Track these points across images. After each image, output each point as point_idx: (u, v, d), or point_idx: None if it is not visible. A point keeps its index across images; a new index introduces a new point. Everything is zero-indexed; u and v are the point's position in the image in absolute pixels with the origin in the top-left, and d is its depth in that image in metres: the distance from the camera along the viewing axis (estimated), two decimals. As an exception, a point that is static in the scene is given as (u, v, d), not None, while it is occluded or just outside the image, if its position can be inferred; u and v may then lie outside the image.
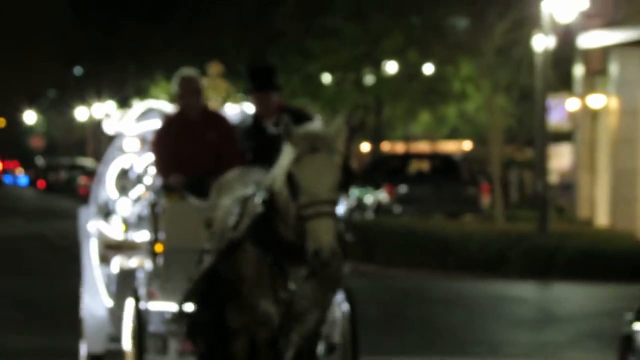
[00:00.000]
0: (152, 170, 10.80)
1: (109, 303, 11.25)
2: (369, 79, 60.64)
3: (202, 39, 70.39)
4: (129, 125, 11.65)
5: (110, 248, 11.32)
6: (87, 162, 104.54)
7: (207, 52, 63.12)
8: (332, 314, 8.72)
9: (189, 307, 8.92)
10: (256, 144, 9.64)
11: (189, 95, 9.98)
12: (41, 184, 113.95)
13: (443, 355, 18.15)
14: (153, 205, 10.14)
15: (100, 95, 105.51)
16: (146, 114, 11.68)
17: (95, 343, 11.31)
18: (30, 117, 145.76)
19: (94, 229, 11.72)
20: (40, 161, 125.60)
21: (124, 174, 11.73)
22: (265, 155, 8.98)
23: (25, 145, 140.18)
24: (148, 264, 10.35)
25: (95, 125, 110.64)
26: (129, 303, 9.84)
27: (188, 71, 10.41)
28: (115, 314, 10.80)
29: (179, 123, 10.00)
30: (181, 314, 9.01)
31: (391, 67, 57.75)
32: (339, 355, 8.93)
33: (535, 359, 17.61)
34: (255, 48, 62.37)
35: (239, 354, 8.70)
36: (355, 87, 61.14)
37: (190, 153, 9.78)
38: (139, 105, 12.57)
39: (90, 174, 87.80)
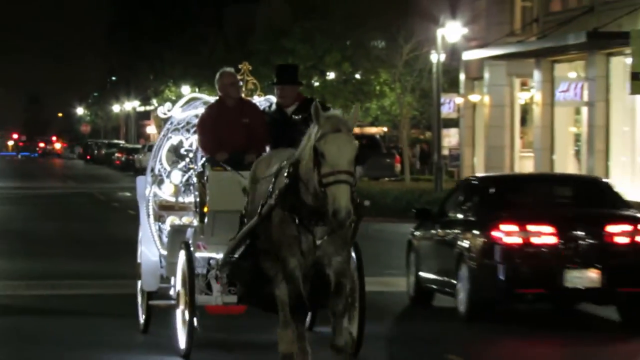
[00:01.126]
0: (197, 147, 10.18)
1: (163, 252, 10.49)
2: (316, 84, 59.90)
3: (199, 56, 71.42)
4: (176, 112, 10.78)
5: (164, 208, 10.67)
6: (120, 142, 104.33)
7: (203, 66, 63.99)
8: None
9: (233, 257, 8.38)
10: (279, 127, 9.01)
11: (227, 86, 9.36)
12: (88, 157, 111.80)
13: (369, 276, 17.97)
14: (200, 176, 9.50)
15: (128, 96, 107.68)
16: (190, 103, 10.93)
17: (149, 283, 10.59)
18: (80, 111, 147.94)
19: (150, 193, 10.92)
20: (87, 141, 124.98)
21: (174, 149, 10.89)
22: (287, 136, 8.55)
23: (77, 131, 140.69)
24: (195, 222, 9.77)
25: (125, 116, 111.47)
26: (182, 253, 9.17)
27: (228, 68, 9.75)
28: (168, 261, 10.06)
29: (218, 110, 9.34)
30: (225, 262, 8.51)
31: (331, 75, 57.74)
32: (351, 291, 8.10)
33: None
34: (235, 62, 59.95)
35: (282, 297, 7.96)
36: (306, 89, 59.21)
37: (229, 134, 9.14)
38: (186, 96, 11.70)
39: (122, 150, 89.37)
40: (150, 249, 10.64)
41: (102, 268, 20.42)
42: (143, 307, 10.94)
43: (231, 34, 70.71)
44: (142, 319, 10.91)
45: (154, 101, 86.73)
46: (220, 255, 8.93)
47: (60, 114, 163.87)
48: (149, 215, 10.79)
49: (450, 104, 49.99)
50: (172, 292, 10.11)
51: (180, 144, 10.69)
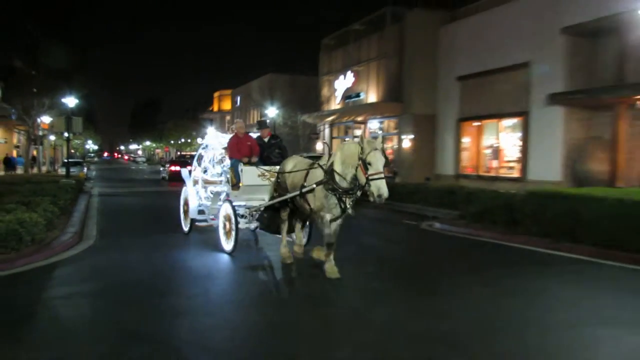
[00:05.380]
0: (225, 155, 10.59)
1: (207, 203, 11.11)
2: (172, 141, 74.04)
3: (152, 133, 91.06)
4: (208, 140, 11.72)
5: (207, 182, 11.24)
6: (136, 156, 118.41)
7: (153, 136, 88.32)
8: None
9: (260, 211, 9.44)
10: (262, 147, 9.91)
11: (239, 128, 9.94)
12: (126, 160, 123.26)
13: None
14: (232, 168, 9.84)
15: (135, 144, 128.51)
16: (211, 135, 11.67)
17: (193, 215, 11.26)
18: (122, 147, 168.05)
19: (198, 177, 11.53)
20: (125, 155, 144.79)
21: (211, 156, 11.43)
22: (266, 151, 9.95)
23: (122, 152, 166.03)
24: (225, 189, 10.29)
25: (147, 150, 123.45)
26: (226, 204, 9.64)
27: (239, 120, 10.36)
28: (211, 207, 10.76)
29: (236, 139, 9.86)
30: (258, 210, 9.42)
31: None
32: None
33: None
34: (160, 139, 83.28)
35: (282, 227, 9.04)
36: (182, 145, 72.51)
37: (242, 149, 9.75)
38: (210, 132, 12.32)
39: (146, 160, 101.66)
40: (192, 201, 11.29)
41: (135, 185, 29.01)
42: (186, 223, 11.73)
43: (160, 127, 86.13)
44: (186, 229, 11.70)
45: (140, 146, 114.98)
46: (239, 203, 9.77)
47: (117, 148, 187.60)
48: (194, 185, 11.55)
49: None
50: (206, 219, 11.22)
51: (214, 156, 11.37)
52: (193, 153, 68.38)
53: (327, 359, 5.13)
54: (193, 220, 11.51)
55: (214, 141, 11.37)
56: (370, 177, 7.06)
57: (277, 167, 9.35)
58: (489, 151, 21.98)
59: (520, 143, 20.22)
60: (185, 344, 5.35)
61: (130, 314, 6.32)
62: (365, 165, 7.12)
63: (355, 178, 7.40)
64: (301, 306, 6.71)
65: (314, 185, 7.73)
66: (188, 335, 5.59)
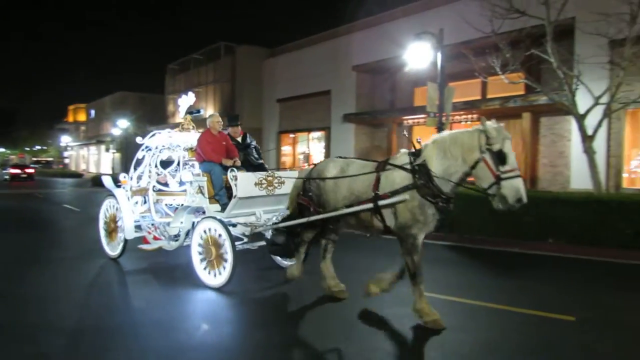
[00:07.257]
0: (190, 157, 7.60)
1: (162, 220, 7.25)
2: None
3: (16, 139, 72.60)
4: (147, 141, 7.80)
5: (159, 194, 7.57)
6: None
7: (23, 143, 64.63)
8: None
9: (282, 226, 5.87)
10: (236, 147, 7.06)
11: (214, 123, 6.99)
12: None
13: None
14: (212, 173, 6.69)
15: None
16: (154, 135, 7.85)
17: (129, 235, 7.30)
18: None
19: (134, 185, 7.72)
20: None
21: (163, 162, 7.80)
22: (240, 151, 7.18)
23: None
24: (200, 202, 6.75)
25: (1, 156, 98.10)
26: (211, 222, 6.24)
27: (215, 113, 7.18)
28: (172, 225, 7.06)
29: (209, 135, 6.93)
30: (277, 228, 5.90)
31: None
32: None
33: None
34: (21, 142, 65.13)
35: (301, 250, 5.76)
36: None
37: (218, 149, 6.88)
38: (152, 131, 8.20)
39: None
40: (128, 218, 7.44)
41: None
42: (114, 245, 7.76)
43: (15, 135, 69.08)
44: (115, 254, 7.71)
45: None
46: (226, 220, 6.31)
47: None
48: (128, 199, 7.59)
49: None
50: (152, 241, 7.34)
51: (170, 157, 7.94)
52: (49, 159, 59.38)
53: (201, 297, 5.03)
54: (126, 241, 7.59)
55: (156, 142, 7.77)
56: (504, 176, 4.31)
57: (275, 172, 6.64)
58: (301, 156, 22.71)
59: (324, 150, 21.16)
60: (42, 328, 4.74)
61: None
62: (501, 158, 4.33)
63: (464, 179, 4.58)
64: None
65: (407, 196, 4.66)
66: (48, 321, 4.94)
